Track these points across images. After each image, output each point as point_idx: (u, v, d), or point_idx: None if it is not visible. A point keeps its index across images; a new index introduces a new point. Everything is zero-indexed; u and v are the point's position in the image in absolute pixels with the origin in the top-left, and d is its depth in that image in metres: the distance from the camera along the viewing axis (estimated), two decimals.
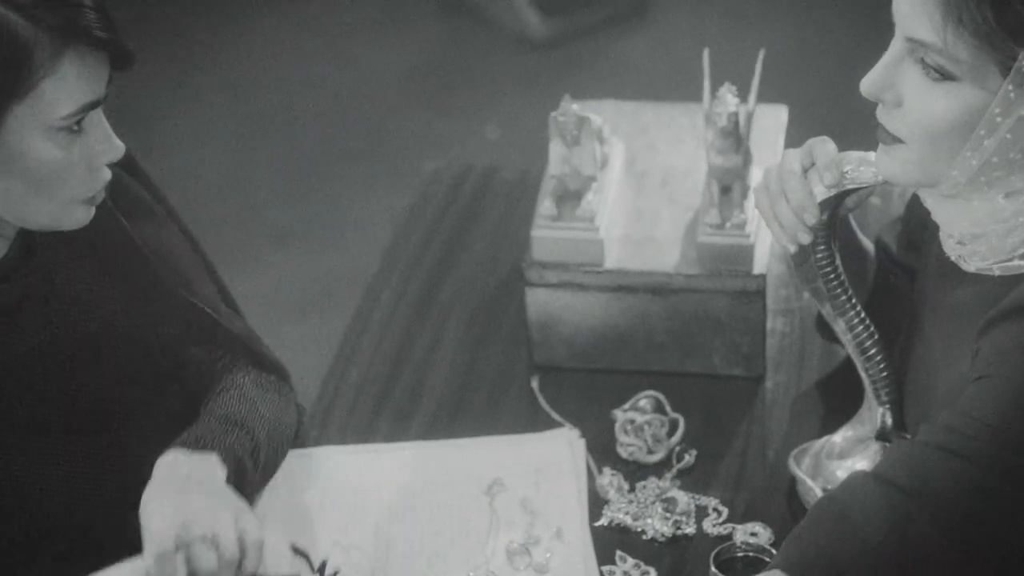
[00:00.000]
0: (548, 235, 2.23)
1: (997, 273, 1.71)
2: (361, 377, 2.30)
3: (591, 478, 2.11)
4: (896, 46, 1.67)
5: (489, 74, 4.66)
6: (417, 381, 2.29)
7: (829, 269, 1.89)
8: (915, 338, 1.88)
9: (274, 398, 2.02)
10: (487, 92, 4.58)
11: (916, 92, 1.66)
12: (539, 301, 2.26)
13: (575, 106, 2.21)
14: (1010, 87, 1.58)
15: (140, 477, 1.80)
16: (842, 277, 1.90)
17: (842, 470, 2.00)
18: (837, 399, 2.15)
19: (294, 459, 2.09)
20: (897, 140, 1.70)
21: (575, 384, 2.27)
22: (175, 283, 1.96)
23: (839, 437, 2.04)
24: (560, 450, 2.14)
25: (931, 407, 1.80)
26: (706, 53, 2.26)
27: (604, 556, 2.00)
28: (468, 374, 2.31)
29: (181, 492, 1.78)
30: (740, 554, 1.97)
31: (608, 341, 2.27)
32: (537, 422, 2.20)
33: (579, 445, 2.15)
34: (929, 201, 1.75)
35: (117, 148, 1.78)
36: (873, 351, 1.93)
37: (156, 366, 1.98)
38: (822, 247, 1.88)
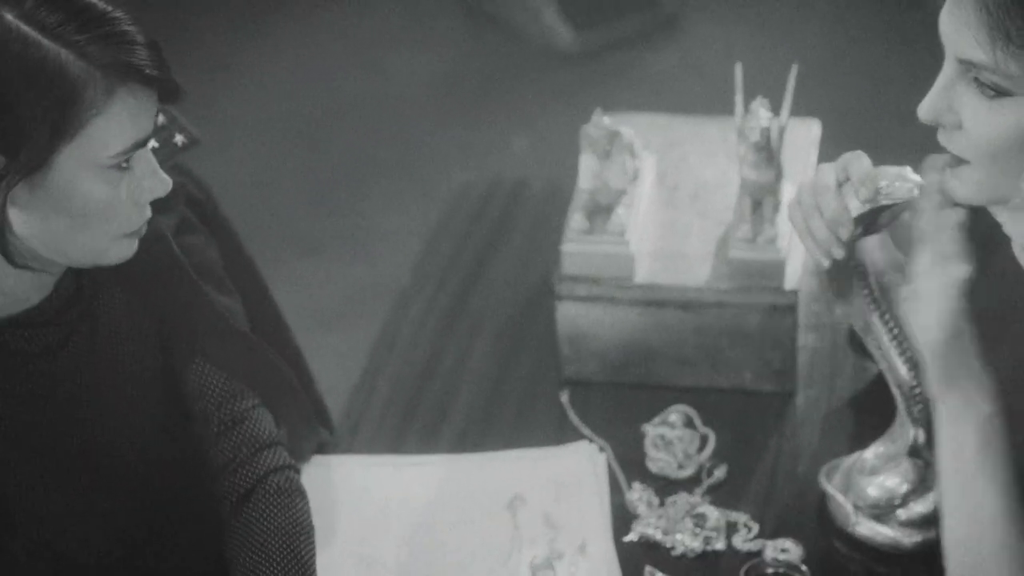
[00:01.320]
0: (578, 249, 2.23)
1: None
2: (390, 389, 2.30)
3: (620, 493, 2.10)
4: (948, 68, 1.66)
5: (519, 87, 4.66)
6: (446, 394, 2.29)
7: (862, 284, 1.88)
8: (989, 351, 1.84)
9: (299, 507, 1.95)
10: (517, 105, 4.58)
11: (974, 112, 1.65)
12: (569, 315, 2.25)
13: (607, 119, 2.21)
14: None
15: (165, 510, 1.90)
16: (875, 293, 1.89)
17: (873, 487, 1.99)
18: (868, 415, 2.14)
19: (318, 468, 2.09)
20: (962, 161, 1.69)
21: (605, 398, 2.26)
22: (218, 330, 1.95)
23: (870, 453, 2.03)
24: (581, 463, 2.14)
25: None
26: (739, 67, 2.25)
27: (634, 571, 1.99)
28: (497, 388, 2.30)
29: None
30: (770, 570, 1.97)
31: (638, 355, 2.26)
32: (566, 436, 2.20)
33: (600, 458, 2.14)
34: (1002, 215, 1.73)
35: (164, 183, 1.76)
36: (907, 367, 1.92)
37: (186, 412, 1.96)
38: (856, 262, 1.87)
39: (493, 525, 2.06)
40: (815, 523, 2.05)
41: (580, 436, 2.20)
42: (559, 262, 2.24)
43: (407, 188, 4.20)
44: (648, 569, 2.00)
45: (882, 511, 1.98)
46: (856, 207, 1.81)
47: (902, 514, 1.98)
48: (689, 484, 2.12)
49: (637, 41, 4.78)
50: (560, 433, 2.21)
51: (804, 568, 1.96)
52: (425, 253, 2.56)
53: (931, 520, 1.96)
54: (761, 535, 2.04)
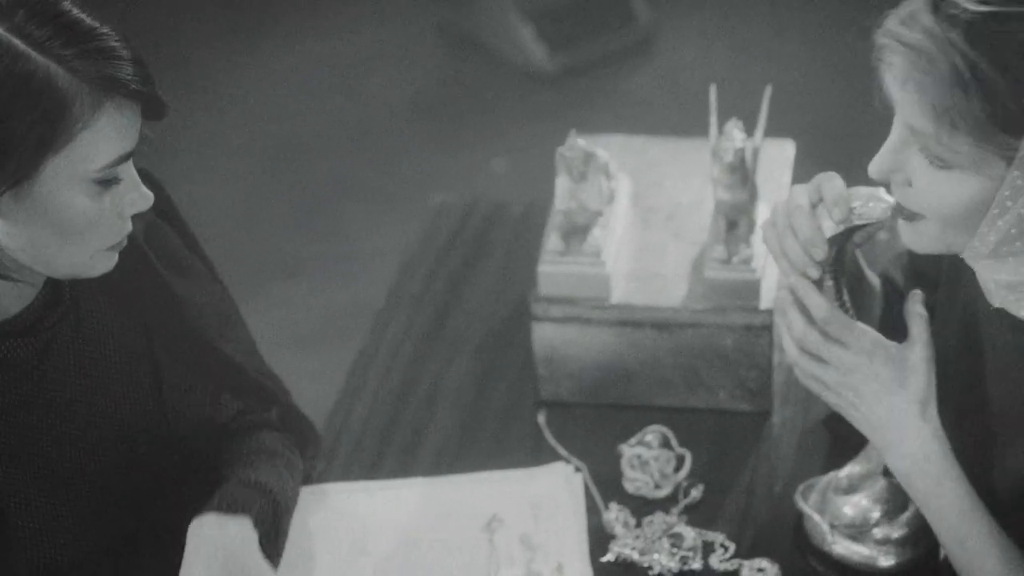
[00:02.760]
0: (554, 270, 2.24)
1: None
2: (367, 411, 2.30)
3: (597, 513, 2.10)
4: (897, 130, 1.68)
5: (496, 108, 4.67)
6: (423, 416, 2.29)
7: (838, 304, 1.89)
8: (955, 377, 1.86)
9: (296, 462, 2.05)
10: (494, 126, 4.59)
11: (922, 177, 1.66)
12: (545, 336, 2.26)
13: (582, 141, 2.22)
14: (1016, 174, 1.59)
15: (155, 516, 1.90)
16: (851, 312, 1.89)
17: (848, 506, 1.99)
18: (844, 435, 2.14)
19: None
20: (916, 215, 1.70)
21: (581, 419, 2.27)
22: (208, 334, 1.98)
23: (845, 473, 2.03)
24: (557, 484, 2.14)
25: (994, 446, 1.80)
26: (713, 89, 2.26)
27: None
28: (474, 409, 2.31)
29: (223, 565, 1.84)
30: None
31: (614, 376, 2.27)
32: (543, 457, 2.20)
33: (576, 479, 2.15)
34: (965, 255, 1.74)
35: (146, 197, 1.77)
36: None
37: (179, 415, 1.99)
38: (831, 283, 1.88)
39: (471, 547, 2.06)
40: (791, 542, 2.06)
41: (557, 457, 2.20)
42: (535, 283, 2.25)
43: (385, 210, 4.20)
44: None
45: (858, 530, 1.99)
46: (830, 228, 1.82)
47: (877, 533, 1.98)
48: (666, 504, 2.12)
49: (613, 62, 4.79)
50: (537, 454, 2.21)
51: None
52: (402, 275, 2.56)
53: (907, 540, 1.96)
54: (738, 555, 2.05)
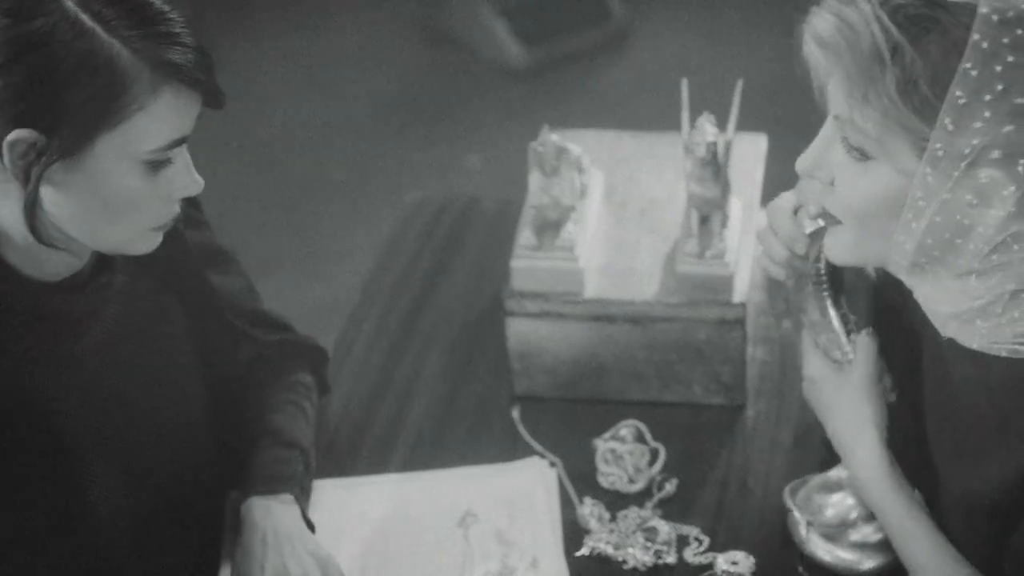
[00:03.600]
0: (528, 265, 2.24)
1: (1004, 355, 1.71)
2: (342, 408, 2.30)
3: (572, 508, 2.11)
4: (827, 125, 1.70)
5: (471, 104, 4.67)
6: (398, 412, 2.29)
7: (833, 313, 1.90)
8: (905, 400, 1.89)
9: (313, 403, 2.16)
10: (469, 122, 4.59)
11: (842, 172, 1.68)
12: (519, 331, 2.26)
13: (554, 136, 2.22)
14: (927, 170, 1.59)
15: (186, 481, 2.00)
16: (851, 321, 1.90)
17: (830, 506, 2.00)
18: (819, 428, 2.15)
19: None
20: (837, 221, 1.72)
21: (556, 414, 2.27)
22: (230, 306, 2.08)
23: (835, 472, 2.03)
24: (531, 480, 2.14)
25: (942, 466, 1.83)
26: (684, 83, 2.26)
27: None
28: (449, 404, 2.31)
29: (275, 551, 1.95)
30: None
31: (588, 371, 2.27)
32: (518, 452, 2.20)
33: (550, 474, 2.15)
34: (905, 280, 1.75)
35: (197, 183, 1.81)
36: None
37: (207, 380, 2.06)
38: (810, 288, 1.88)
39: (445, 543, 2.07)
40: (766, 536, 2.06)
41: (531, 452, 2.20)
42: (509, 278, 2.25)
43: (360, 206, 4.20)
44: None
45: (835, 530, 1.99)
46: (810, 224, 1.83)
47: (853, 535, 1.98)
48: (640, 498, 2.13)
49: (588, 57, 4.80)
50: (511, 449, 2.21)
51: None
52: (376, 270, 2.56)
53: (884, 545, 1.96)
54: (712, 548, 2.05)
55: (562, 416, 2.27)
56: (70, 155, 1.70)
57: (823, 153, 1.70)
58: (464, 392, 2.33)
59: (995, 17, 1.54)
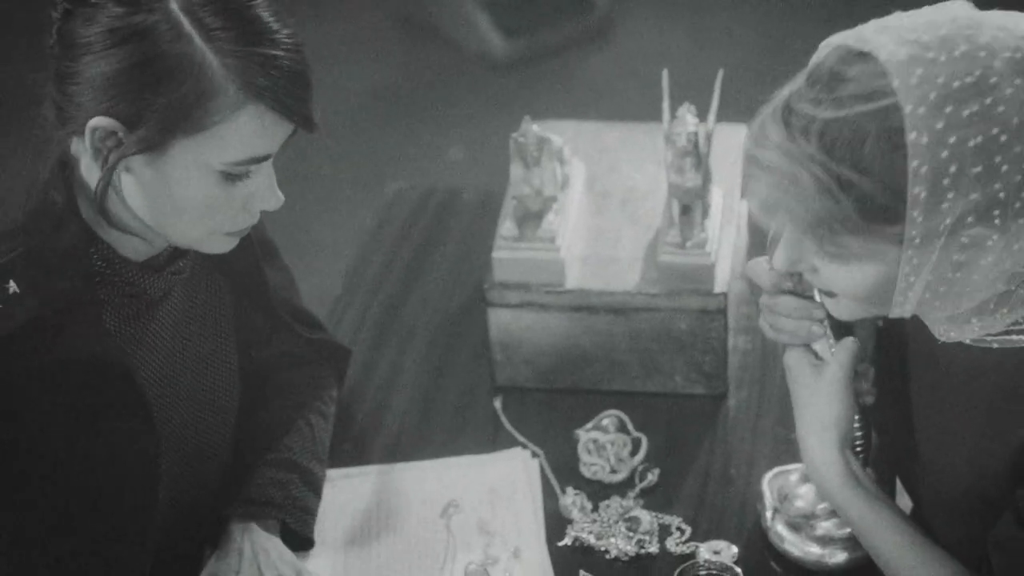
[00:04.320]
0: (509, 256, 2.24)
1: (995, 347, 1.71)
2: None
3: (554, 498, 2.11)
4: (791, 227, 1.69)
5: (452, 95, 4.66)
6: (380, 403, 2.29)
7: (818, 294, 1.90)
8: (900, 404, 1.89)
9: (328, 405, 2.17)
10: (450, 113, 4.59)
11: (824, 268, 1.68)
12: (501, 321, 2.26)
13: (535, 127, 2.22)
14: (909, 252, 1.60)
15: (221, 464, 2.04)
16: (825, 323, 1.90)
17: (800, 497, 2.00)
18: None
19: None
20: (833, 293, 1.73)
21: (538, 404, 2.27)
22: (279, 299, 2.11)
23: None
24: (514, 470, 2.14)
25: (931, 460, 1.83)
26: (665, 73, 2.27)
27: (568, 575, 2.01)
28: (431, 395, 2.31)
29: (250, 562, 1.95)
30: (703, 572, 1.97)
31: (570, 361, 2.27)
32: (500, 442, 2.21)
33: (532, 465, 2.15)
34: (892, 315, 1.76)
35: (277, 199, 1.81)
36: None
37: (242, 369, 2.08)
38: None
39: (428, 533, 2.07)
40: (748, 525, 2.06)
41: (513, 442, 2.21)
42: (490, 269, 2.25)
43: (342, 198, 4.19)
44: (582, 573, 2.01)
45: (800, 522, 1.99)
46: None
47: (818, 528, 1.99)
48: (622, 488, 2.13)
49: (570, 49, 4.80)
50: (494, 439, 2.22)
51: (737, 569, 1.97)
52: (358, 262, 2.56)
53: (853, 542, 1.97)
54: (694, 538, 2.06)
55: (544, 406, 2.27)
56: (146, 151, 1.72)
57: (797, 252, 1.69)
58: (446, 383, 2.33)
59: (921, 110, 1.54)
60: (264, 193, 1.79)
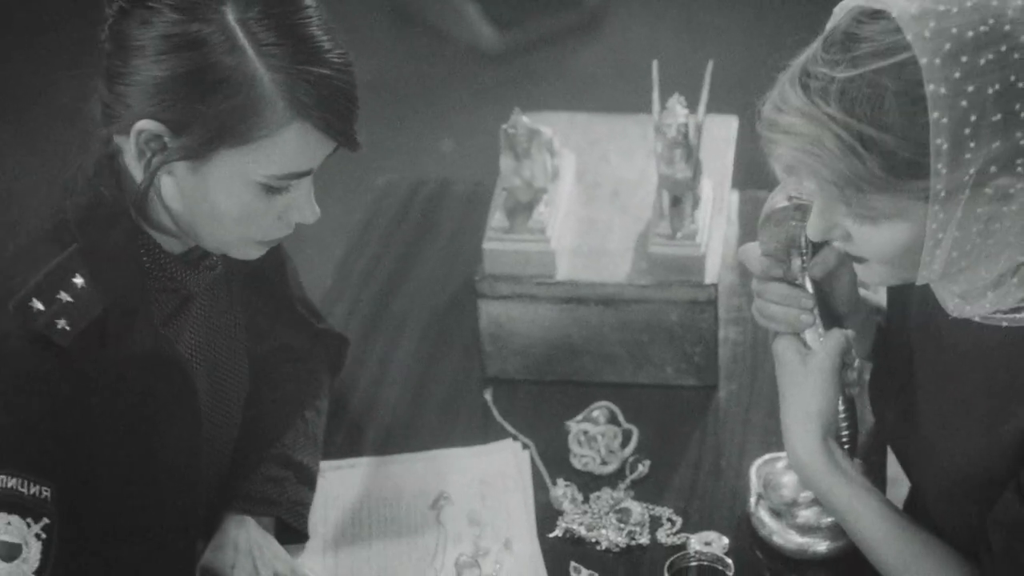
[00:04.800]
0: (499, 247, 2.24)
1: (1004, 325, 1.72)
2: None
3: (545, 489, 2.11)
4: (819, 196, 1.70)
5: (443, 87, 4.66)
6: (371, 394, 2.29)
7: (797, 252, 1.89)
8: (904, 385, 1.89)
9: (323, 399, 2.19)
10: (441, 105, 4.58)
11: (856, 232, 1.69)
12: (491, 313, 2.26)
13: (525, 118, 2.22)
14: (935, 208, 1.61)
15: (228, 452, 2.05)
16: (806, 259, 1.89)
17: (784, 486, 2.00)
18: None
19: None
20: (864, 259, 1.72)
21: (528, 396, 2.27)
22: (293, 291, 2.14)
23: None
24: (504, 462, 2.14)
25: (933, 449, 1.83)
26: (655, 64, 2.26)
27: (558, 567, 2.00)
28: (422, 387, 2.31)
29: (246, 555, 1.96)
30: (694, 563, 1.98)
31: (561, 352, 2.27)
32: (490, 434, 2.21)
33: (523, 456, 2.16)
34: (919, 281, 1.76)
35: (314, 212, 1.81)
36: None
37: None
38: (799, 261, 1.88)
39: (419, 525, 2.07)
40: (739, 516, 2.07)
41: (504, 434, 2.21)
42: (481, 260, 2.25)
43: (330, 189, 4.15)
44: (573, 564, 2.01)
45: (784, 509, 2.00)
46: (781, 200, 1.84)
47: (800, 516, 1.99)
48: (613, 480, 2.13)
49: (560, 40, 4.79)
50: (484, 431, 2.22)
51: (728, 560, 1.97)
52: (348, 254, 2.56)
53: (836, 531, 1.97)
54: (685, 529, 2.06)
55: (535, 398, 2.27)
56: (190, 158, 1.72)
57: (829, 219, 1.70)
58: (437, 375, 2.33)
59: (937, 61, 1.56)
60: (301, 206, 1.79)
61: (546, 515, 2.07)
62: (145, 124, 1.71)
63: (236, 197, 1.75)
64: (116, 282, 1.77)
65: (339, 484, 2.12)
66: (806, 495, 1.98)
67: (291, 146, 1.72)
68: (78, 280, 1.74)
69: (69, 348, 1.73)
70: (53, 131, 1.87)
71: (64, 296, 1.73)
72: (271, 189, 1.75)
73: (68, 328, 1.72)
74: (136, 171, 1.77)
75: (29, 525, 1.71)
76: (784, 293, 1.86)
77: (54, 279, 1.74)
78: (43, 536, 1.72)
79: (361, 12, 4.90)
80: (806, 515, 1.99)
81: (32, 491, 1.71)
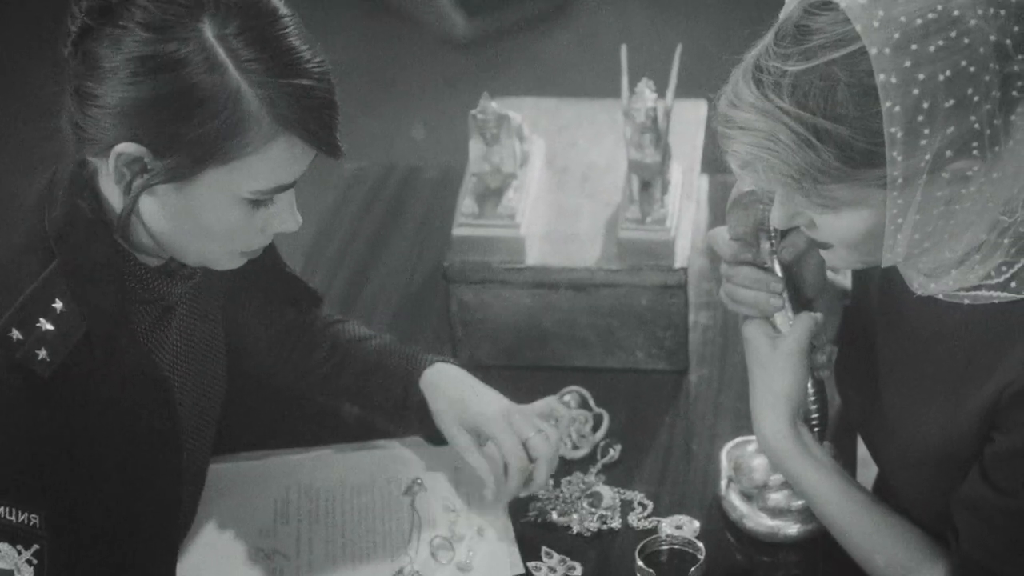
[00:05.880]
0: (469, 233, 2.24)
1: (967, 303, 1.72)
2: None
3: None
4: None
5: (413, 74, 4.65)
6: None
7: (768, 264, 1.90)
8: (866, 362, 1.89)
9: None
10: (411, 92, 4.57)
11: (818, 219, 1.69)
12: (462, 299, 2.26)
13: (494, 104, 2.22)
14: (894, 194, 1.61)
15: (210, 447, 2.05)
16: (775, 242, 1.89)
17: (755, 469, 2.01)
18: None
19: (217, 468, 2.09)
20: (828, 244, 1.73)
21: (499, 381, 2.26)
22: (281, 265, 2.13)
23: None
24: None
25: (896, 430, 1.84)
26: (624, 49, 2.26)
27: (530, 552, 2.01)
28: None
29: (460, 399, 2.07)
30: (665, 547, 1.99)
31: (531, 338, 2.27)
32: None
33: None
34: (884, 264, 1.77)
35: (296, 221, 1.79)
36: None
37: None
38: (767, 244, 1.88)
39: (393, 512, 2.07)
40: (710, 499, 2.07)
41: None
42: (450, 246, 2.25)
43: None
44: (544, 549, 2.01)
45: (754, 492, 2.00)
46: (748, 184, 1.84)
47: (771, 500, 2.00)
48: (584, 464, 2.13)
49: (531, 27, 4.79)
50: None
51: (699, 543, 1.98)
52: (318, 240, 2.56)
53: (807, 514, 1.97)
54: (656, 513, 2.06)
55: (506, 383, 2.26)
56: (175, 180, 1.69)
57: (790, 208, 1.71)
58: None
59: (887, 50, 1.56)
60: (284, 216, 1.78)
61: (518, 500, 2.07)
62: (125, 147, 1.67)
63: (222, 214, 1.72)
64: (98, 299, 1.75)
65: (312, 471, 2.12)
66: (776, 478, 1.98)
67: (277, 160, 1.70)
68: (57, 305, 1.72)
69: (50, 378, 1.71)
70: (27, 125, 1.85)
71: (44, 324, 1.71)
72: (256, 203, 1.73)
73: (49, 359, 1.70)
74: (112, 193, 1.74)
75: (20, 552, 1.71)
76: (753, 277, 1.87)
77: (33, 306, 1.71)
78: (34, 562, 1.71)
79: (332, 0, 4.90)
80: (776, 498, 2.00)
81: (21, 519, 1.71)
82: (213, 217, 1.72)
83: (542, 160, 2.39)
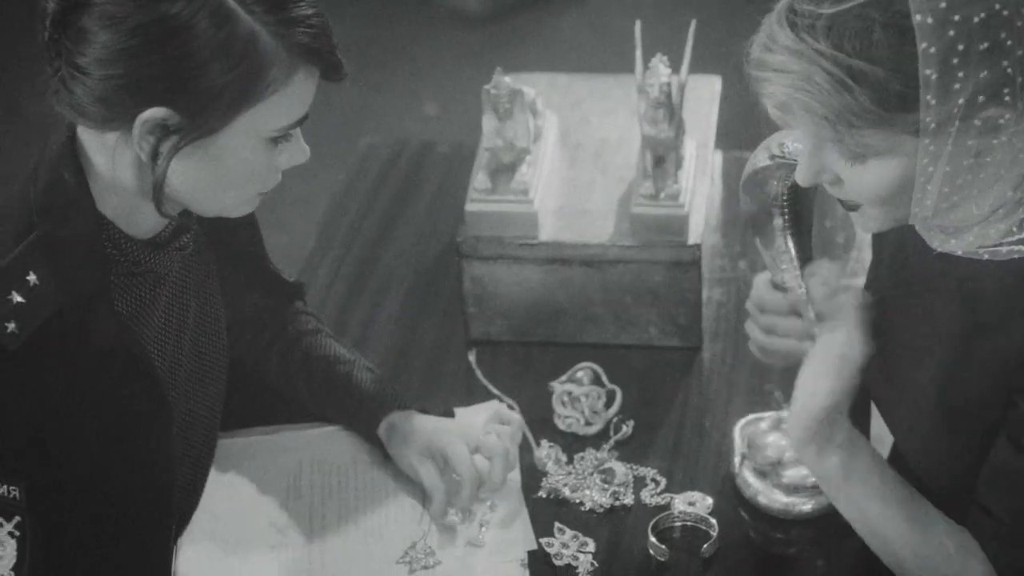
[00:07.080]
0: (482, 209, 2.23)
1: (986, 258, 1.72)
2: None
3: (529, 451, 2.11)
4: (808, 135, 1.69)
5: (426, 49, 4.65)
6: None
7: (784, 249, 1.89)
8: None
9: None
10: (424, 67, 4.57)
11: (846, 173, 1.68)
12: (475, 274, 2.26)
13: (507, 79, 2.21)
14: (926, 141, 1.61)
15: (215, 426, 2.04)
16: (794, 260, 1.89)
17: (768, 446, 2.01)
18: (776, 370, 2.15)
19: (229, 444, 2.09)
20: (857, 204, 1.72)
21: (512, 357, 2.27)
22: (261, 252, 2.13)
23: (786, 412, 2.03)
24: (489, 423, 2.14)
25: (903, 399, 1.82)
26: (638, 24, 2.26)
27: (543, 528, 2.00)
28: (406, 349, 2.31)
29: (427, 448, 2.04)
30: (678, 523, 1.99)
31: (544, 314, 2.27)
32: (474, 396, 2.20)
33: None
34: (912, 222, 1.76)
35: (306, 153, 1.81)
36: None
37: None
38: (779, 220, 1.87)
39: (404, 487, 2.07)
40: (722, 476, 2.07)
41: (488, 395, 2.20)
42: (463, 222, 2.25)
43: (314, 152, 4.15)
44: (557, 525, 2.01)
45: (768, 469, 2.00)
46: (763, 160, 1.83)
47: (785, 476, 1.99)
48: (597, 440, 2.13)
49: (544, 3, 4.78)
50: (468, 393, 2.22)
51: (712, 520, 1.98)
52: (331, 216, 2.56)
53: (819, 490, 1.97)
54: (669, 489, 2.06)
55: (518, 359, 2.27)
56: (207, 135, 1.70)
57: (818, 161, 1.70)
58: (420, 337, 2.32)
59: None
60: (293, 150, 1.79)
61: (530, 476, 2.07)
62: (152, 113, 1.67)
63: (246, 157, 1.74)
64: (76, 272, 1.74)
65: (323, 446, 2.12)
66: (790, 455, 1.98)
67: (298, 92, 1.73)
68: (31, 278, 1.71)
69: (21, 350, 1.70)
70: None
71: (16, 297, 1.70)
72: (276, 141, 1.75)
73: (17, 332, 1.69)
74: (123, 164, 1.73)
75: (1, 525, 1.71)
76: (786, 326, 1.87)
77: (8, 277, 1.71)
78: (17, 534, 1.71)
79: None
80: (791, 475, 1.99)
81: (0, 490, 1.71)
82: (239, 163, 1.74)
83: (555, 136, 2.38)
